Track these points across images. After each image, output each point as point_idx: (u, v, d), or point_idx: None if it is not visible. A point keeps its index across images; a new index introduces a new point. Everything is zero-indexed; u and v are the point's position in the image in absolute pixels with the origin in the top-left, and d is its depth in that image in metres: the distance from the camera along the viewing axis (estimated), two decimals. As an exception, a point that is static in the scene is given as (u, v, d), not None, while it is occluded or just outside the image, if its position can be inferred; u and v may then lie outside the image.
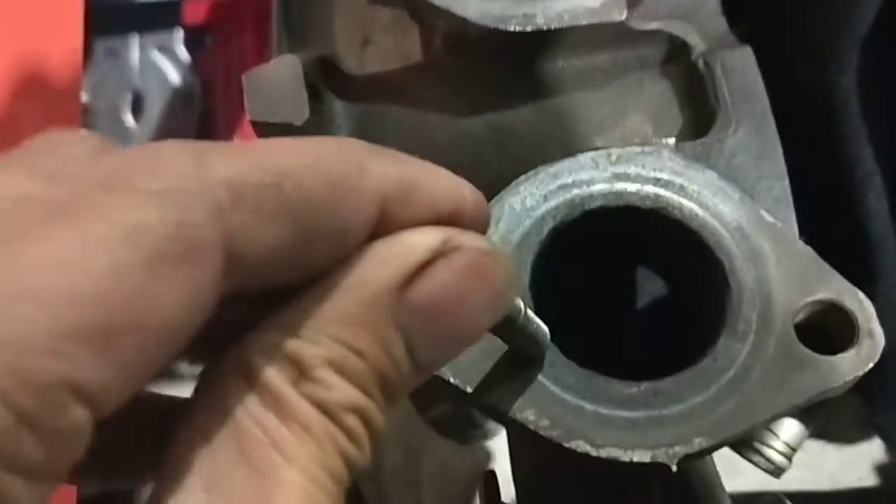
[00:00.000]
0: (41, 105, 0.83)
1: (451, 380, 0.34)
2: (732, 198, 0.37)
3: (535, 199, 0.38)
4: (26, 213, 0.20)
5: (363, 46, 0.74)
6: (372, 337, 0.24)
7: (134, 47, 1.92)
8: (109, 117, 1.81)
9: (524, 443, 0.35)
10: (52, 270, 0.19)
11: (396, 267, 0.24)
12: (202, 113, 1.86)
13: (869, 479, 0.68)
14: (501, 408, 0.34)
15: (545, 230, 0.37)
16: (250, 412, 0.23)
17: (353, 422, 0.23)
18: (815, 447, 0.66)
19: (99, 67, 1.83)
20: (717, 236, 0.37)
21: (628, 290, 0.41)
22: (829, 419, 0.61)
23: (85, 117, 1.72)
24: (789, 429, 0.48)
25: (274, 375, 0.23)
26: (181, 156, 0.22)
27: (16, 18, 0.81)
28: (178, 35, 1.91)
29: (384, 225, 0.24)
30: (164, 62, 1.91)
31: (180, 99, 1.88)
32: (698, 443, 0.33)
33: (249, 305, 0.24)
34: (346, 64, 0.65)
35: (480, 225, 0.27)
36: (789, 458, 0.48)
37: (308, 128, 0.42)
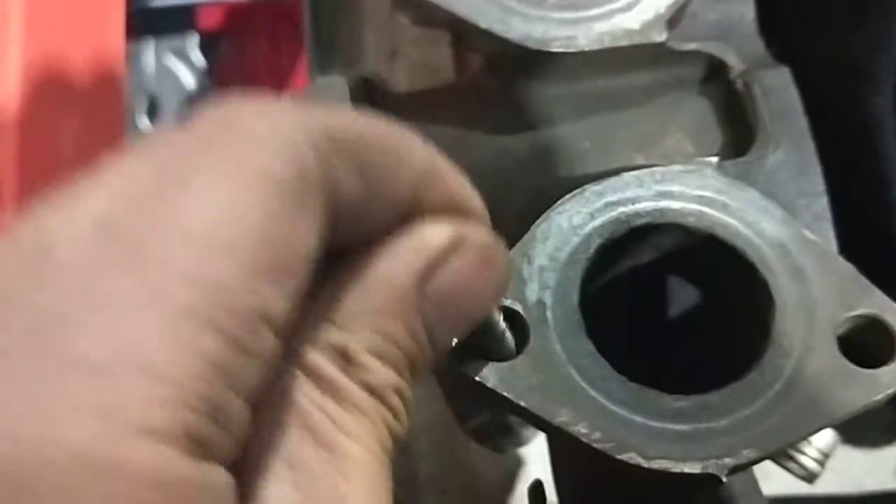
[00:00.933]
0: (82, 105, 0.84)
1: (506, 394, 0.35)
2: (774, 216, 0.38)
3: (582, 217, 0.39)
4: (165, 162, 0.24)
5: (391, 58, 0.75)
6: (401, 325, 0.27)
7: (149, 52, 1.93)
8: (126, 122, 1.82)
9: (569, 453, 0.36)
10: (226, 220, 0.23)
11: (417, 263, 0.28)
12: (217, 118, 1.88)
13: (893, 483, 0.69)
14: (554, 421, 0.35)
15: (592, 247, 0.38)
16: (312, 399, 0.26)
17: (395, 400, 0.27)
18: (841, 451, 0.67)
19: None
20: (761, 254, 0.38)
21: (668, 303, 0.42)
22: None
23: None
24: (823, 436, 0.50)
25: (327, 365, 0.26)
26: (286, 107, 0.25)
27: (56, 16, 0.82)
28: (194, 40, 1.92)
29: (415, 201, 0.28)
30: (179, 67, 1.92)
31: (195, 104, 1.90)
32: (746, 454, 0.34)
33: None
34: (376, 76, 0.66)
35: (484, 219, 0.31)
36: (822, 465, 0.50)
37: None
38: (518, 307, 0.37)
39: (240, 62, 1.88)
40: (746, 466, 0.35)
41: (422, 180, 0.28)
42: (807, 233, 0.38)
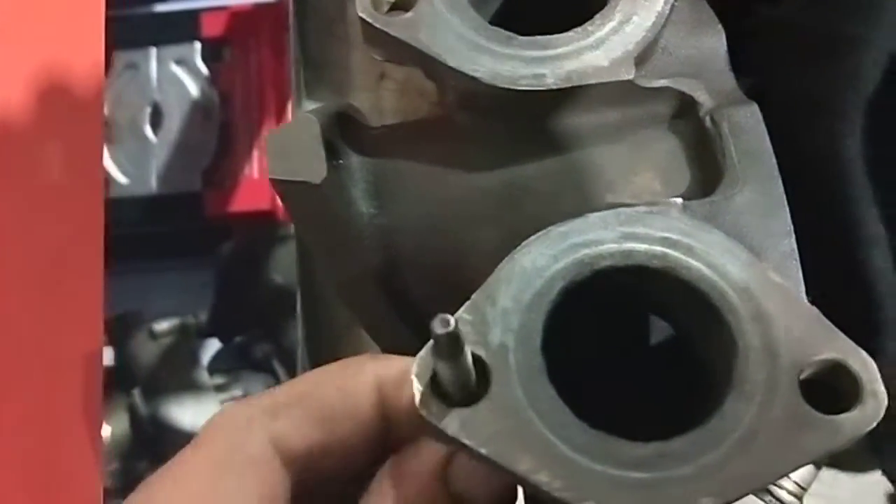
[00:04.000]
0: (63, 118, 0.84)
1: (466, 441, 0.35)
2: (739, 258, 0.38)
3: (546, 258, 0.39)
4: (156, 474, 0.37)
5: (379, 80, 0.75)
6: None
7: (152, 60, 1.94)
8: (129, 130, 1.84)
9: (538, 498, 0.37)
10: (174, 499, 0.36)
11: (433, 459, 0.38)
12: (221, 125, 1.88)
13: (884, 507, 0.69)
14: (515, 469, 0.35)
15: (555, 290, 0.38)
16: None
17: None
18: (828, 476, 0.66)
19: (118, 81, 1.86)
20: (725, 297, 0.37)
21: (636, 344, 0.42)
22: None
23: (105, 131, 1.74)
24: (801, 469, 0.49)
25: None
26: (238, 406, 0.38)
27: (36, 30, 0.83)
28: (196, 48, 1.93)
29: (388, 408, 0.38)
30: (182, 75, 1.93)
31: (199, 112, 1.91)
32: (706, 503, 0.34)
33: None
34: (362, 99, 0.66)
35: None
36: (800, 499, 0.49)
37: (325, 186, 0.43)
38: (481, 351, 0.37)
39: (243, 70, 1.88)
40: (706, 515, 0.35)
41: (385, 388, 0.38)
42: (772, 275, 0.38)
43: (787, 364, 0.36)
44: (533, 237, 0.39)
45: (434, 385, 0.36)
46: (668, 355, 0.42)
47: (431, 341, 0.36)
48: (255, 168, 1.82)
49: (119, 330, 1.57)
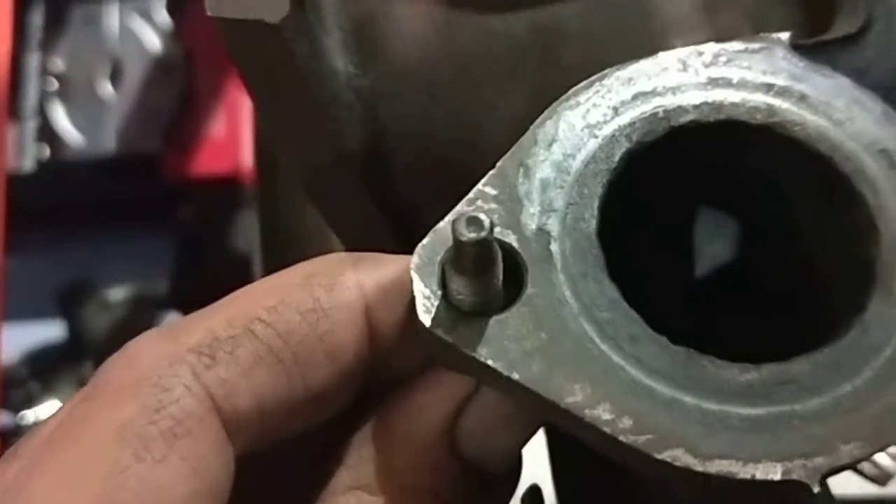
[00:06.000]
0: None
1: (491, 363, 0.24)
2: (873, 112, 0.27)
3: (602, 111, 0.27)
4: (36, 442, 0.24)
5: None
6: (434, 475, 0.26)
7: (112, 13, 1.83)
8: (86, 88, 1.72)
9: (578, 447, 0.25)
10: (63, 492, 0.22)
11: (440, 415, 0.26)
12: (184, 83, 1.77)
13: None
14: (563, 402, 0.24)
15: (617, 154, 0.27)
16: None
17: None
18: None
19: (75, 34, 1.76)
20: (856, 162, 0.27)
21: (720, 237, 0.31)
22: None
23: (60, 87, 1.62)
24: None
25: None
26: (155, 341, 0.25)
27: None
28: (160, 0, 1.82)
29: (375, 332, 0.26)
30: (144, 29, 1.82)
31: (161, 68, 1.79)
32: (849, 451, 0.23)
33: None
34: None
35: None
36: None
37: (286, 28, 0.31)
38: (510, 239, 0.26)
39: (209, 25, 1.76)
40: (846, 468, 0.24)
41: (372, 309, 0.26)
42: (920, 135, 0.27)
43: None
44: (583, 83, 0.28)
45: (445, 286, 0.25)
46: (758, 254, 0.31)
47: (442, 227, 0.25)
48: (220, 129, 1.71)
49: (70, 299, 1.46)
